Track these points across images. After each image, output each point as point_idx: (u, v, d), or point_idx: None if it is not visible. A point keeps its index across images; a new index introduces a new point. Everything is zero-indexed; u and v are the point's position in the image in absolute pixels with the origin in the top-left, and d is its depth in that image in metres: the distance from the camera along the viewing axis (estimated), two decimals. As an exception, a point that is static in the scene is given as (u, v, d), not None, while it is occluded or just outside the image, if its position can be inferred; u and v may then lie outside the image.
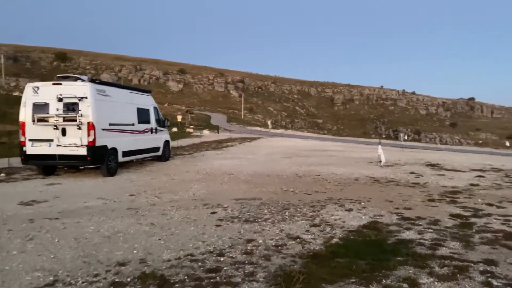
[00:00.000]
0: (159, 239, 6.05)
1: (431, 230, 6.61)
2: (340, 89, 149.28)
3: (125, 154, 13.90)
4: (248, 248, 5.65)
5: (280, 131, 74.65)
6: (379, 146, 17.76)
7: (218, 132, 54.31)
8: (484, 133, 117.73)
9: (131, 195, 9.69)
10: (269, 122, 62.96)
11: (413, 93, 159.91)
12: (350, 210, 8.19)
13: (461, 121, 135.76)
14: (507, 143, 45.89)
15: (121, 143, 13.57)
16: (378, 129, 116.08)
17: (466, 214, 7.79)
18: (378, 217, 7.55)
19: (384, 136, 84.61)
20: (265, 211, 8.02)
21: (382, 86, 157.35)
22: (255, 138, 43.29)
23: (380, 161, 17.27)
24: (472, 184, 11.82)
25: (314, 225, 6.95)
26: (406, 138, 51.08)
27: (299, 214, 7.78)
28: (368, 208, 8.40)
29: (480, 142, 79.65)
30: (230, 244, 5.81)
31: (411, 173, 14.38)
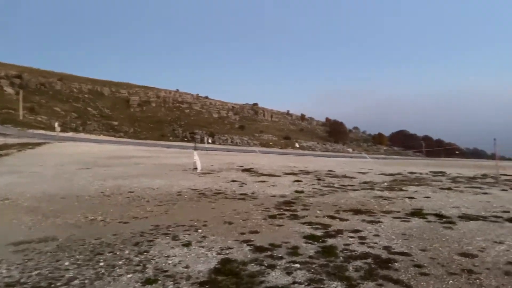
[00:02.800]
0: None
1: (298, 265, 5.25)
2: (136, 91, 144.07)
3: None
4: None
5: (70, 134, 66.05)
6: (195, 152, 16.27)
7: (-14, 137, 43.76)
8: (266, 135, 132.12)
9: None
10: (56, 124, 54.61)
11: (206, 97, 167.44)
12: (189, 244, 6.22)
13: (247, 124, 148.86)
14: (297, 145, 51.65)
15: None
16: (175, 132, 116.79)
17: (318, 233, 6.82)
18: (227, 252, 5.82)
19: (186, 139, 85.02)
20: (66, 263, 5.32)
21: (177, 89, 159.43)
22: (39, 144, 36.05)
23: (196, 168, 15.83)
24: (297, 191, 11.42)
25: (149, 281, 4.71)
26: (210, 141, 51.92)
27: (120, 262, 5.37)
28: (209, 237, 6.60)
29: (271, 143, 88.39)
30: None
31: (233, 181, 13.32)
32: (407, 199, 10.27)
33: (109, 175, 14.39)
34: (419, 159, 48.77)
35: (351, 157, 41.70)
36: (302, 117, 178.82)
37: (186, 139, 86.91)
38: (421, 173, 17.06)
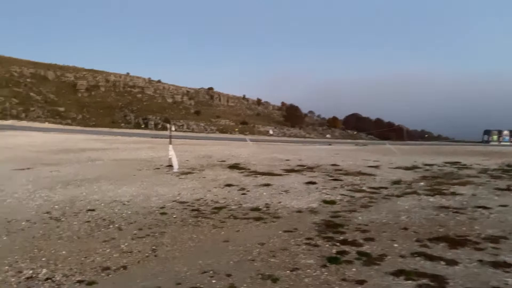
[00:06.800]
0: None
1: None
2: (84, 74, 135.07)
3: None
4: None
5: (10, 122, 59.29)
6: (171, 147, 12.81)
7: None
8: (223, 120, 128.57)
9: None
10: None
11: (159, 81, 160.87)
12: None
13: (203, 109, 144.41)
14: (271, 131, 48.94)
15: None
16: (127, 118, 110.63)
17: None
18: None
19: (142, 126, 79.75)
20: None
21: (128, 73, 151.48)
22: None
23: (171, 166, 12.48)
24: (325, 201, 8.42)
25: None
26: (174, 128, 47.77)
27: None
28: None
29: (237, 130, 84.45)
30: None
31: (228, 185, 10.09)
32: (482, 210, 7.61)
33: (58, 180, 10.70)
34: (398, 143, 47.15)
35: (329, 144, 39.37)
36: (258, 102, 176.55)
37: (142, 126, 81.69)
38: (438, 165, 14.68)
